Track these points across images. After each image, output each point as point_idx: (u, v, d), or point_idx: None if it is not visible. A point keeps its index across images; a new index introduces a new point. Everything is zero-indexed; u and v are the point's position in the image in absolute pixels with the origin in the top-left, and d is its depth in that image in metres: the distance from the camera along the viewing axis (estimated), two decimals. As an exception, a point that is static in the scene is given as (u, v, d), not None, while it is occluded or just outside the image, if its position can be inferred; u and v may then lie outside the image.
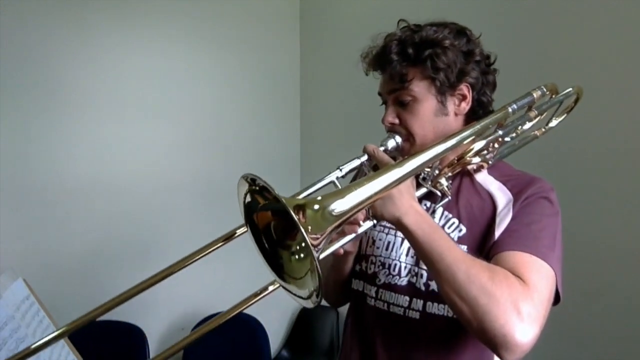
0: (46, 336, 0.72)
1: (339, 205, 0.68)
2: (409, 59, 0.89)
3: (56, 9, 2.07)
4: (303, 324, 2.71)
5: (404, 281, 0.93)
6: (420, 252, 0.78)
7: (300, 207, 0.66)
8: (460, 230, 0.90)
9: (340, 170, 0.83)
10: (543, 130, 1.08)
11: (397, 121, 0.93)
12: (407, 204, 0.77)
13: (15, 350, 0.95)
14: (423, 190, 0.89)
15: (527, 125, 1.01)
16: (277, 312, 2.70)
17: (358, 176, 1.07)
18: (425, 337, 0.91)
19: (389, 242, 0.96)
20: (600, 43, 1.47)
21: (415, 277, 0.92)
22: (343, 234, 0.79)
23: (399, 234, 0.94)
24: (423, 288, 0.90)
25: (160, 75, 2.35)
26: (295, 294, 0.70)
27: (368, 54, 0.96)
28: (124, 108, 2.25)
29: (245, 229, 0.75)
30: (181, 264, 0.80)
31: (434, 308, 0.89)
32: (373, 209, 0.78)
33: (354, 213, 0.70)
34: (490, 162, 0.95)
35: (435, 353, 0.91)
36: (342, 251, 0.83)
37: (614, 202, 1.44)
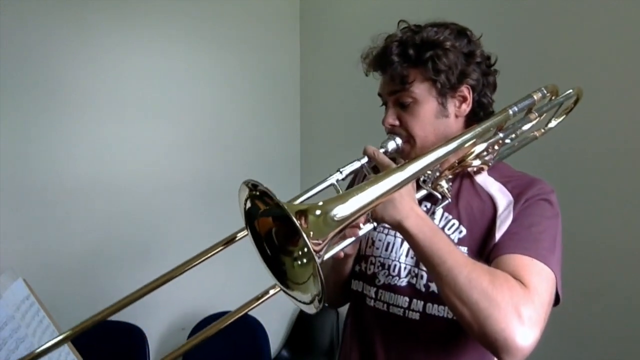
0: (50, 340, 0.72)
1: (341, 211, 0.68)
2: (409, 60, 0.89)
3: (56, 9, 2.07)
4: (303, 324, 2.71)
5: (403, 282, 0.92)
6: (421, 255, 0.78)
7: (302, 213, 0.66)
8: (461, 232, 0.90)
9: (341, 172, 0.83)
10: (542, 131, 1.08)
11: (397, 123, 0.93)
12: (408, 207, 0.77)
13: (15, 350, 0.95)
14: (423, 192, 0.89)
15: (527, 126, 1.01)
16: (277, 313, 2.70)
17: (357, 178, 1.07)
18: (425, 338, 0.91)
19: (388, 243, 0.96)
20: (600, 43, 1.47)
21: (415, 278, 0.91)
22: (344, 237, 0.79)
23: (399, 234, 0.94)
24: (423, 289, 0.90)
25: (160, 75, 2.35)
26: (297, 299, 0.70)
27: (368, 54, 0.96)
28: (124, 108, 2.25)
29: (246, 233, 0.75)
30: (183, 267, 0.80)
31: (434, 309, 0.89)
32: (374, 212, 0.78)
33: (356, 218, 0.70)
34: (490, 164, 0.95)
35: (435, 354, 0.91)
36: (342, 254, 0.83)
37: (614, 202, 1.44)
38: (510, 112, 0.91)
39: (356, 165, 0.84)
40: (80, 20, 2.13)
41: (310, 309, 0.68)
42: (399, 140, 0.92)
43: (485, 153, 0.94)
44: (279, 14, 2.78)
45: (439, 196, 0.90)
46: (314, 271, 0.64)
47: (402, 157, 0.94)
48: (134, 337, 2.07)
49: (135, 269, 2.22)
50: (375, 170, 0.84)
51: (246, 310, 0.82)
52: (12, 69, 1.97)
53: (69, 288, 2.08)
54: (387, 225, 0.94)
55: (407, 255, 0.94)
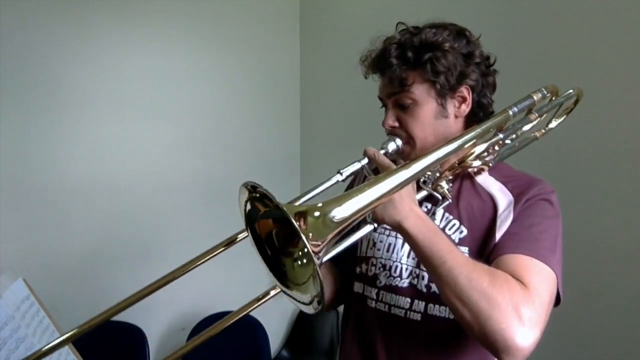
0: (52, 341, 0.72)
1: (340, 212, 0.68)
2: (408, 62, 0.89)
3: (56, 9, 2.07)
4: (303, 324, 2.71)
5: (405, 283, 0.92)
6: (421, 256, 0.78)
7: (301, 214, 0.66)
8: (461, 232, 0.90)
9: (341, 174, 0.83)
10: (543, 131, 1.08)
11: (397, 124, 0.93)
12: (408, 207, 0.77)
13: (15, 350, 0.95)
14: (424, 193, 0.89)
15: (527, 126, 1.01)
16: (277, 313, 2.70)
17: (357, 179, 1.07)
18: (426, 339, 0.91)
19: (389, 244, 0.96)
20: (600, 43, 1.47)
21: (416, 279, 0.91)
22: (343, 238, 0.79)
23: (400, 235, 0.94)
24: (424, 290, 0.90)
25: (160, 75, 2.35)
26: (297, 300, 0.70)
27: (367, 57, 0.96)
28: (124, 108, 2.25)
29: (247, 234, 0.75)
30: (185, 267, 0.80)
31: (436, 310, 0.89)
32: (373, 213, 0.78)
33: (356, 219, 0.70)
34: (490, 165, 0.95)
35: (436, 355, 0.91)
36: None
37: (614, 202, 1.44)
38: (510, 112, 0.91)
39: (356, 166, 0.84)
40: (80, 20, 2.13)
41: (309, 310, 0.68)
42: (399, 142, 0.92)
43: (485, 154, 0.94)
44: (279, 14, 2.78)
45: (439, 197, 0.90)
46: (313, 272, 0.64)
47: (402, 158, 0.94)
48: (134, 337, 2.07)
49: (135, 269, 2.22)
50: (375, 171, 0.84)
51: (247, 311, 0.82)
52: (12, 69, 1.97)
53: (69, 288, 2.08)
54: (387, 227, 0.94)
55: (408, 256, 0.93)
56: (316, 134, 2.81)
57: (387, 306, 0.94)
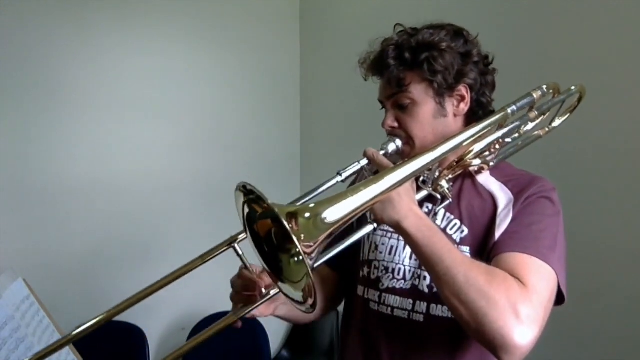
0: (56, 343, 0.73)
1: (332, 214, 0.68)
2: (406, 63, 0.90)
3: (56, 9, 2.07)
4: (303, 324, 2.71)
5: (407, 285, 0.92)
6: (420, 256, 0.78)
7: (292, 215, 0.66)
8: (463, 232, 0.90)
9: (341, 175, 0.83)
10: (546, 130, 1.07)
11: (396, 125, 0.93)
12: (407, 207, 0.77)
13: (15, 350, 0.95)
14: (424, 193, 0.89)
15: (530, 125, 1.00)
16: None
17: (358, 180, 1.07)
18: (429, 340, 0.91)
19: (392, 247, 0.96)
20: (601, 42, 1.47)
21: (418, 280, 0.91)
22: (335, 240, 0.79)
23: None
24: (426, 290, 0.90)
25: (160, 75, 2.35)
26: (292, 299, 0.70)
27: (366, 59, 0.97)
28: (124, 108, 2.25)
29: (246, 236, 0.76)
30: (187, 268, 0.81)
31: (438, 310, 0.89)
32: (373, 213, 0.78)
33: (348, 221, 0.70)
34: (490, 164, 0.95)
35: (440, 355, 0.91)
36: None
37: (616, 202, 1.44)
38: (509, 110, 0.91)
39: (356, 167, 0.84)
40: (80, 20, 2.13)
41: (303, 308, 0.68)
42: (398, 142, 0.92)
43: (487, 153, 0.94)
44: (279, 14, 2.78)
45: (439, 197, 0.90)
46: (307, 270, 0.64)
47: (402, 158, 0.94)
48: (134, 337, 2.07)
49: (135, 269, 2.22)
50: (376, 172, 0.84)
51: (248, 311, 0.83)
52: (12, 69, 1.97)
53: (69, 288, 2.08)
54: (389, 229, 0.94)
55: (410, 258, 0.93)
56: (316, 134, 2.81)
57: (389, 309, 0.93)
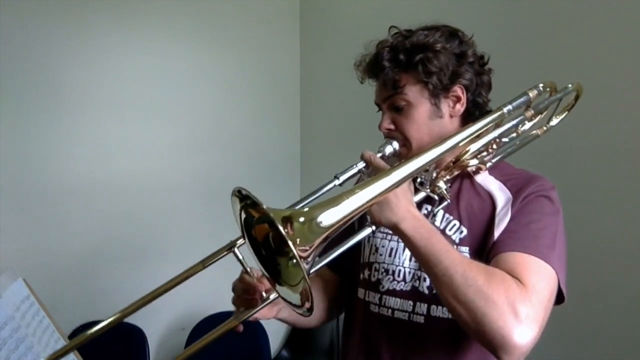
0: (61, 349, 0.73)
1: (327, 217, 0.68)
2: (400, 65, 0.90)
3: (56, 9, 2.07)
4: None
5: (407, 286, 0.92)
6: (418, 257, 0.78)
7: (288, 219, 0.66)
8: (462, 232, 0.90)
9: (338, 178, 0.83)
10: (544, 129, 1.07)
11: (393, 127, 0.94)
12: (404, 208, 0.77)
13: (15, 350, 0.95)
14: (422, 195, 0.88)
15: (527, 125, 1.00)
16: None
17: (359, 181, 1.07)
18: (430, 341, 0.91)
19: (392, 249, 0.96)
20: (600, 42, 1.47)
21: (418, 281, 0.91)
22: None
23: None
24: (427, 291, 0.90)
25: (160, 75, 2.35)
26: (290, 302, 0.70)
27: (361, 62, 0.97)
28: (124, 108, 2.25)
29: (244, 241, 0.76)
30: (187, 273, 0.83)
31: (439, 311, 0.89)
32: (370, 215, 0.78)
33: (344, 224, 0.70)
34: (488, 165, 0.95)
35: (441, 356, 0.91)
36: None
37: (615, 202, 1.44)
38: (505, 110, 0.91)
39: (353, 170, 0.84)
40: (80, 20, 2.13)
41: (300, 311, 0.68)
42: (395, 144, 0.92)
43: (485, 153, 0.94)
44: (279, 14, 2.78)
45: (437, 198, 0.89)
46: (304, 274, 0.64)
47: (399, 160, 0.94)
48: (134, 337, 2.07)
49: (135, 269, 2.22)
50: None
51: (249, 315, 0.84)
52: (12, 69, 1.97)
53: (69, 288, 2.08)
54: (387, 230, 0.94)
55: (410, 260, 0.93)
56: (316, 134, 2.81)
57: (390, 311, 0.93)
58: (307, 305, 0.66)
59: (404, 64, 0.90)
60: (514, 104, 0.92)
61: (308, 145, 2.85)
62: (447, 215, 0.93)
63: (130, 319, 2.20)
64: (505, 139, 0.97)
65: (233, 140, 2.58)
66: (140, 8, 2.29)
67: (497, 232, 0.85)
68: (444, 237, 0.80)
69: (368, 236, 0.82)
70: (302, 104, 2.88)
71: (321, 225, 0.67)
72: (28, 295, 1.06)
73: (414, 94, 0.91)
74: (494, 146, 0.95)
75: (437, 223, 0.92)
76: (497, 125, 0.92)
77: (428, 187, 0.89)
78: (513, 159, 1.01)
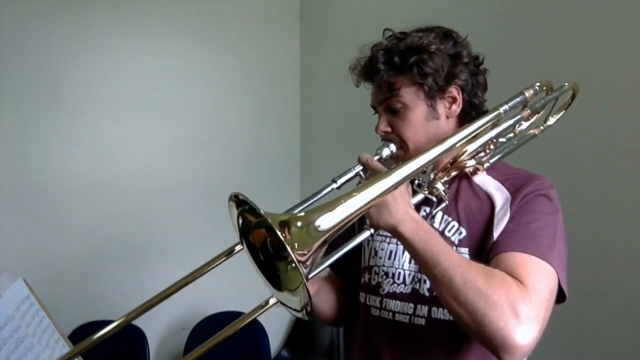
0: (67, 354, 0.74)
1: (325, 221, 0.68)
2: (395, 67, 0.90)
3: (56, 9, 2.07)
4: (303, 324, 2.71)
5: (408, 289, 0.92)
6: (417, 259, 0.78)
7: (285, 224, 0.66)
8: (461, 233, 0.90)
9: (335, 182, 0.83)
10: (541, 128, 1.07)
11: (389, 129, 0.94)
12: (403, 211, 0.77)
13: (15, 350, 0.95)
14: (420, 197, 0.88)
15: (524, 124, 1.00)
16: (277, 313, 2.69)
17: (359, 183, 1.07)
18: (431, 343, 0.90)
19: (391, 251, 0.96)
20: (600, 42, 1.47)
21: (418, 284, 0.91)
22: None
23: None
24: (427, 293, 0.90)
25: (160, 75, 2.35)
26: (290, 307, 0.71)
27: (356, 65, 0.97)
28: (124, 108, 2.25)
29: (242, 247, 0.76)
30: (187, 279, 0.84)
31: (439, 313, 0.89)
32: (369, 218, 0.78)
33: (342, 227, 0.69)
34: (485, 165, 0.95)
35: (441, 358, 0.90)
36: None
37: (614, 201, 1.44)
38: (501, 110, 0.90)
39: (351, 174, 0.84)
40: (80, 20, 2.13)
41: (300, 315, 0.69)
42: (392, 147, 0.92)
43: (482, 153, 0.94)
44: (279, 14, 2.78)
45: (435, 200, 0.89)
46: (302, 279, 0.64)
47: (397, 162, 0.94)
48: (134, 337, 2.07)
49: (135, 268, 2.22)
50: None
51: (249, 320, 0.84)
52: (12, 69, 1.97)
53: (69, 288, 2.08)
54: (386, 233, 0.94)
55: (410, 262, 0.93)
56: (316, 134, 2.81)
57: (391, 313, 0.93)
58: (308, 309, 0.66)
59: (398, 66, 0.90)
60: (511, 103, 0.92)
61: (308, 145, 2.85)
62: (445, 216, 0.93)
63: (130, 319, 2.19)
64: (502, 139, 0.97)
65: (233, 140, 2.58)
66: (140, 8, 2.29)
67: (496, 233, 0.85)
68: (443, 238, 0.80)
69: (367, 240, 0.82)
70: (302, 104, 2.88)
71: (319, 229, 0.67)
72: (28, 295, 1.06)
73: (410, 96, 0.91)
74: (491, 146, 0.95)
75: (436, 225, 0.92)
76: (494, 126, 0.92)
77: (426, 188, 0.89)
78: (511, 159, 1.01)
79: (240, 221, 0.72)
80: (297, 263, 0.62)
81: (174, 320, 2.41)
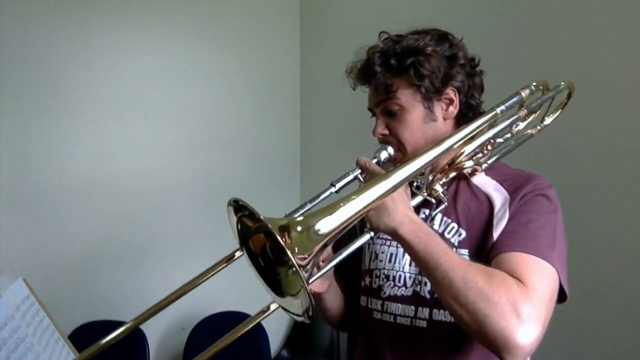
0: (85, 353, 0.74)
1: (325, 225, 0.68)
2: (392, 69, 0.90)
3: (56, 9, 2.07)
4: (303, 325, 2.70)
5: (409, 291, 0.92)
6: (418, 261, 0.78)
7: (285, 228, 0.66)
8: (460, 235, 0.90)
9: (334, 186, 0.83)
10: (538, 128, 1.07)
11: (387, 132, 0.94)
12: (402, 213, 0.77)
13: (15, 350, 0.95)
14: (419, 199, 0.88)
15: (522, 124, 1.00)
16: (277, 313, 2.70)
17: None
18: (433, 345, 0.90)
19: (391, 254, 0.96)
20: (599, 42, 1.47)
21: (419, 286, 0.91)
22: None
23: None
24: (428, 296, 0.90)
25: (160, 75, 2.35)
26: (291, 312, 0.71)
27: (352, 68, 0.97)
28: (124, 108, 2.25)
29: (241, 253, 0.76)
30: (188, 286, 0.84)
31: (441, 315, 0.89)
32: (368, 221, 0.78)
33: (342, 231, 0.69)
34: (483, 166, 0.94)
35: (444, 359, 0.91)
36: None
37: (613, 201, 1.44)
38: (498, 110, 0.90)
39: (349, 177, 0.84)
40: (80, 20, 2.13)
41: (302, 319, 0.69)
42: (390, 149, 0.92)
43: (480, 154, 0.94)
44: (279, 14, 2.78)
45: (434, 201, 0.89)
46: (303, 283, 0.64)
47: (395, 165, 0.94)
48: (133, 337, 2.07)
49: (135, 269, 2.22)
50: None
51: (251, 325, 0.86)
52: (12, 69, 1.97)
53: (69, 288, 2.08)
54: (386, 236, 0.94)
55: (410, 265, 0.93)
56: (316, 134, 2.80)
57: (392, 316, 0.93)
58: (309, 313, 0.66)
59: (395, 68, 0.90)
60: (507, 104, 0.92)
61: (308, 145, 2.85)
62: (445, 218, 0.92)
63: (130, 319, 2.21)
64: (500, 140, 0.97)
65: (233, 140, 2.58)
66: (140, 8, 2.29)
67: (496, 233, 0.85)
68: (443, 240, 0.79)
69: (368, 243, 0.82)
70: (302, 104, 2.88)
71: (319, 232, 0.67)
72: (28, 295, 1.06)
73: (407, 98, 0.91)
74: (489, 147, 0.95)
75: (436, 226, 0.92)
76: (491, 126, 0.92)
77: (425, 190, 0.89)
78: (509, 159, 1.01)
79: (240, 226, 0.72)
80: (297, 267, 0.62)
81: (174, 320, 2.41)
